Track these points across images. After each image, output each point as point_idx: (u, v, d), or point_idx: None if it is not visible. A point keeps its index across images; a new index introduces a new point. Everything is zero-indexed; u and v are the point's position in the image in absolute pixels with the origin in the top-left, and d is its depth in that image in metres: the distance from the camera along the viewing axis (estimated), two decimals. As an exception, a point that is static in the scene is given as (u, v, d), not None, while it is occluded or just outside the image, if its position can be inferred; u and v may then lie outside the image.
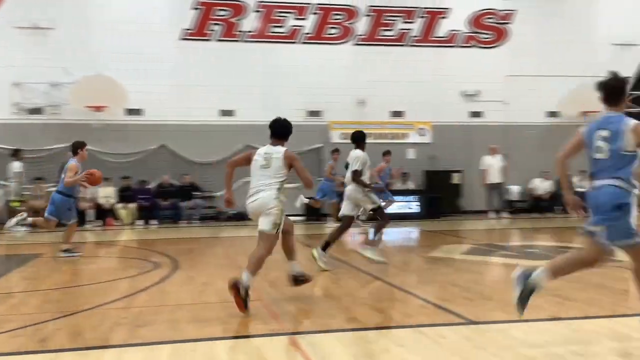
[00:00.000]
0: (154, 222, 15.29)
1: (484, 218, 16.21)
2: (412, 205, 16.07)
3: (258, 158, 5.88)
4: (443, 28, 17.71)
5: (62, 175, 8.82)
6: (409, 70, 17.39)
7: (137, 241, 11.94)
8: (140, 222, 15.25)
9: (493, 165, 16.31)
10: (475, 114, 17.74)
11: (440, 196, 16.11)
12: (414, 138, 17.50)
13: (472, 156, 17.05)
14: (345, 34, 17.39)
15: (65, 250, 9.03)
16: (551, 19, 18.06)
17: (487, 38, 17.93)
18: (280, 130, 6.07)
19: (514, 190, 17.63)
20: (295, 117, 17.03)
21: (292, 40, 17.22)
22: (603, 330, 4.50)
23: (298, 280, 6.02)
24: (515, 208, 17.12)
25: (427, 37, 17.67)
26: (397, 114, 17.42)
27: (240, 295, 5.17)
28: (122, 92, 15.60)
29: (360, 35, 17.41)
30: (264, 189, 5.76)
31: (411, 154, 17.48)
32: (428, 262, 8.52)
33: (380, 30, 17.51)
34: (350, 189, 8.03)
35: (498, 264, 8.29)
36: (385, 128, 17.35)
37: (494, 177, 16.26)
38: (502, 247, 10.08)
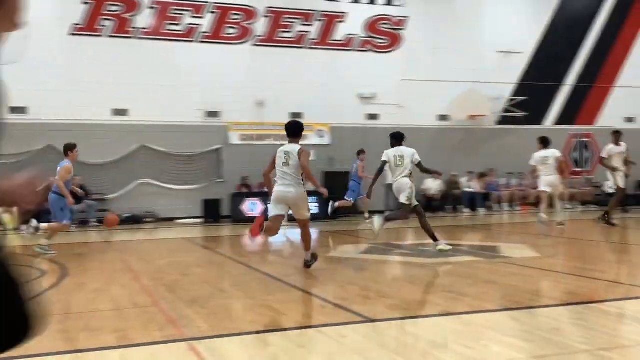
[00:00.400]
0: (42, 226, 14.33)
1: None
2: (310, 207, 16.14)
3: (280, 155, 7.19)
4: (340, 32, 17.99)
5: (56, 177, 9.40)
6: (308, 72, 17.50)
7: (22, 247, 11.15)
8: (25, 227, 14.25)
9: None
10: (372, 117, 18.16)
11: (339, 197, 16.31)
12: (312, 139, 17.62)
13: (369, 157, 17.42)
14: (244, 35, 17.22)
15: (43, 246, 9.49)
16: (441, 26, 18.85)
17: (382, 43, 18.41)
18: (293, 129, 7.31)
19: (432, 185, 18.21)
20: (193, 117, 16.79)
21: (189, 39, 16.82)
22: (492, 324, 4.69)
23: (307, 264, 7.54)
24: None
25: (324, 40, 17.87)
26: (296, 115, 17.48)
27: (310, 265, 7.35)
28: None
29: (259, 36, 17.31)
30: (294, 184, 7.15)
31: (311, 155, 17.59)
32: (327, 263, 8.58)
33: (279, 32, 17.50)
34: (404, 182, 9.02)
35: (395, 263, 8.48)
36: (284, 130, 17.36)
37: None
38: (398, 246, 10.33)
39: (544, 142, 12.20)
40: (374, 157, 17.70)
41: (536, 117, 19.70)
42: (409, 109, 18.36)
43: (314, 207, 16.21)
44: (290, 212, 7.40)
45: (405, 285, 6.60)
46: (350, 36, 18.04)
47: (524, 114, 19.14)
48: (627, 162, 12.88)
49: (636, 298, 5.65)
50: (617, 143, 12.79)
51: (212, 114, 16.74)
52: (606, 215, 13.09)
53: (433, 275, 7.43)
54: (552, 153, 12.20)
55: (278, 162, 7.22)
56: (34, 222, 10.04)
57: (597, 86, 20.27)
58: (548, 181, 12.17)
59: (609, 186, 19.27)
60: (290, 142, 7.26)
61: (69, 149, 9.60)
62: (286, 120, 18.31)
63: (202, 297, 5.94)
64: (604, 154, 12.79)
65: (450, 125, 18.76)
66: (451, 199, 18.07)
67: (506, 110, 19.31)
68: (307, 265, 7.63)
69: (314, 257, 7.60)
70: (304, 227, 7.40)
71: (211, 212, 15.12)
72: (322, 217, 15.92)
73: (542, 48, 19.72)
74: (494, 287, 6.39)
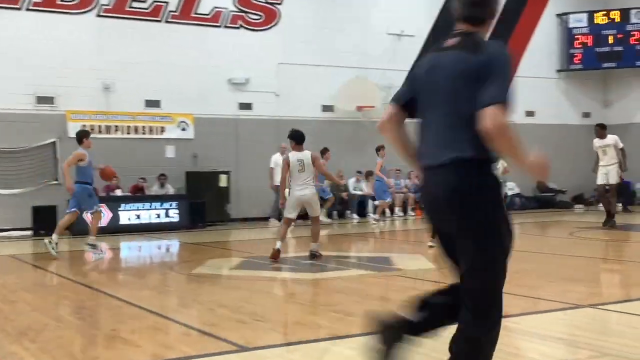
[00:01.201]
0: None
1: (262, 226, 16.60)
2: (170, 213, 15.86)
3: (295, 163, 9.71)
4: (206, 4, 17.78)
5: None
6: (166, 51, 17.12)
7: None
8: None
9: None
10: (245, 106, 18.11)
11: (205, 202, 16.13)
12: (173, 133, 17.28)
13: (241, 155, 17.39)
14: (86, 3, 16.51)
15: (92, 246, 10.82)
16: (325, 3, 19.18)
17: (256, 19, 18.42)
18: (300, 138, 9.92)
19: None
20: (19, 104, 15.87)
21: (15, 6, 15.87)
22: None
23: (314, 255, 9.84)
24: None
25: (187, 14, 17.57)
26: (152, 103, 17.04)
27: (317, 256, 9.80)
28: None
29: (105, 5, 16.68)
30: (309, 187, 9.75)
31: (170, 151, 17.25)
32: (191, 281, 8.44)
33: (131, 1, 16.98)
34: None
35: (273, 279, 8.51)
36: (139, 120, 16.88)
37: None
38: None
39: None
40: (247, 153, 17.74)
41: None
42: (287, 97, 18.50)
43: (174, 214, 15.89)
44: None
45: (284, 305, 6.63)
46: (218, 9, 17.87)
47: (417, 105, 19.92)
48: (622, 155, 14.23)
49: (536, 313, 6.05)
50: (601, 137, 14.08)
51: (45, 100, 15.89)
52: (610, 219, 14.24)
53: (316, 293, 7.52)
54: None
55: (294, 169, 9.67)
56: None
57: (496, 76, 21.55)
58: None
59: (509, 187, 20.55)
60: (296, 150, 9.85)
61: (83, 136, 10.92)
62: (141, 109, 17.84)
63: (33, 329, 5.63)
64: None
65: (336, 117, 19.10)
66: (337, 203, 18.43)
67: (398, 101, 19.99)
68: (314, 255, 9.85)
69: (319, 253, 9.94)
70: (317, 222, 10.03)
71: (44, 222, 14.29)
72: (186, 226, 15.66)
73: (437, 32, 20.63)
74: (386, 305, 6.58)
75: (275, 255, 9.60)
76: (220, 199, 16.70)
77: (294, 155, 9.77)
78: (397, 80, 21.80)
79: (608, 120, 22.98)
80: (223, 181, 16.78)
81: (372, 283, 7.87)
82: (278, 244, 9.74)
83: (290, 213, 9.82)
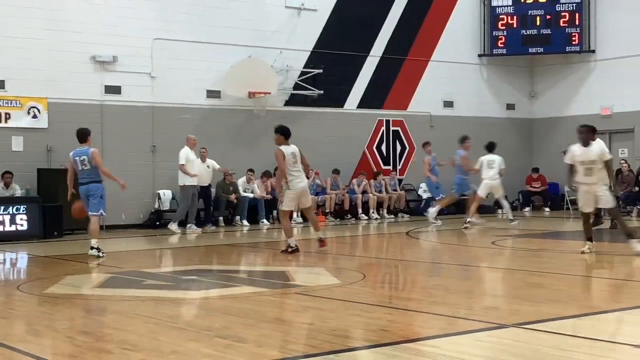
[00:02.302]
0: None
1: (134, 235, 16.30)
2: (18, 220, 15.39)
3: (290, 156, 11.79)
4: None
5: (88, 166, 12.01)
6: (13, 22, 16.57)
7: None
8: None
9: (194, 162, 16.97)
10: (112, 89, 17.75)
11: (62, 205, 15.69)
12: (21, 121, 16.77)
13: (108, 148, 16.98)
14: None
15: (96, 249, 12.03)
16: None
17: (128, -16, 18.08)
18: (289, 133, 12.10)
19: (166, 196, 18.10)
20: None
21: None
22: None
23: (322, 241, 12.25)
24: (165, 220, 17.60)
25: (40, -25, 17.03)
26: (-5, 83, 16.46)
27: (324, 242, 12.30)
28: None
29: None
30: (303, 178, 12.06)
31: (17, 144, 16.73)
32: (43, 303, 8.19)
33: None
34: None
35: (146, 299, 8.36)
36: (-23, 104, 16.24)
37: (204, 179, 17.31)
38: (150, 275, 10.21)
39: None
40: (115, 146, 17.37)
41: (336, 97, 20.81)
42: (165, 80, 18.25)
43: (23, 220, 15.39)
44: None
45: (160, 330, 6.53)
46: (80, -29, 17.46)
47: (319, 92, 20.11)
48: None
49: (456, 334, 6.22)
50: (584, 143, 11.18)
51: None
52: (614, 222, 13.75)
53: (200, 315, 7.45)
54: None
55: (289, 162, 11.71)
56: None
57: (411, 59, 22.03)
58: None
59: (424, 189, 21.09)
60: (285, 144, 11.91)
61: (88, 134, 12.41)
62: (-20, 90, 17.09)
63: None
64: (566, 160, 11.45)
65: (223, 105, 19.00)
66: (224, 207, 18.33)
67: (297, 87, 20.12)
68: (322, 242, 12.20)
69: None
70: (311, 211, 12.64)
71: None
72: (38, 236, 15.19)
73: (343, 5, 20.92)
74: (282, 328, 6.59)
75: (293, 252, 11.82)
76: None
77: (286, 149, 11.80)
78: (297, 62, 22.08)
79: (534, 114, 24.04)
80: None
81: (266, 302, 7.87)
82: (293, 242, 11.94)
83: (291, 206, 12.17)
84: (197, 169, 17.10)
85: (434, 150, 18.61)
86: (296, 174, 11.81)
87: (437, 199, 18.35)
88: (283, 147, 11.83)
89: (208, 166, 17.61)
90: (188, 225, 16.91)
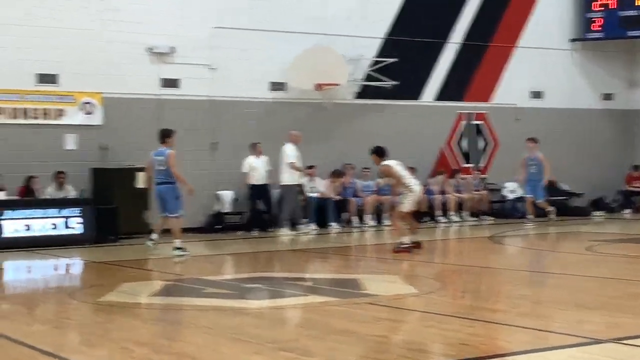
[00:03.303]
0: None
1: (194, 239, 16.54)
2: (71, 223, 15.67)
3: (399, 166, 13.32)
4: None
5: (163, 167, 13.27)
6: (65, 10, 16.90)
7: None
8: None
9: (258, 168, 17.45)
10: (170, 83, 17.97)
11: (117, 207, 15.97)
12: (74, 117, 17.05)
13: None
14: None
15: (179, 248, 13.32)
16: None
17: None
18: (383, 151, 13.46)
19: (226, 197, 18.27)
20: None
21: None
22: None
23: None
24: (226, 223, 17.78)
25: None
26: (47, 78, 16.78)
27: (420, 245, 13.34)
28: None
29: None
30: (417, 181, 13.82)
31: (71, 142, 17.02)
32: (98, 312, 8.36)
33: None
34: None
35: (206, 309, 8.47)
36: (28, 101, 16.62)
37: (260, 177, 17.55)
38: (212, 282, 10.33)
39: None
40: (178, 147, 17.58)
41: (411, 88, 20.68)
42: (225, 72, 18.36)
43: (77, 223, 15.70)
44: None
45: (221, 341, 6.61)
46: (135, -44, 17.76)
47: (393, 83, 20.02)
48: None
49: (545, 349, 6.14)
50: None
51: None
52: None
53: (264, 326, 7.50)
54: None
55: (400, 170, 13.28)
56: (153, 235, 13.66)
57: (494, 45, 21.78)
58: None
59: (510, 189, 20.84)
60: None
61: (168, 135, 13.57)
62: (31, 87, 17.57)
63: None
64: None
65: (288, 98, 19.06)
66: (288, 209, 18.40)
67: (369, 78, 20.07)
68: (418, 245, 13.33)
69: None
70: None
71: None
72: (92, 240, 15.50)
73: (418, -12, 20.82)
74: (352, 340, 6.59)
75: (413, 247, 13.00)
76: (136, 204, 16.51)
77: (390, 162, 13.34)
78: (368, 50, 21.98)
79: (634, 104, 23.49)
80: (141, 181, 16.60)
81: (334, 313, 7.88)
82: (407, 239, 13.01)
83: (411, 208, 13.22)
84: (256, 167, 17.48)
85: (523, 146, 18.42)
86: (411, 179, 13.36)
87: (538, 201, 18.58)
88: (387, 162, 13.31)
89: (264, 162, 17.78)
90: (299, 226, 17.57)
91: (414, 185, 13.32)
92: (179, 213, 13.42)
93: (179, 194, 13.41)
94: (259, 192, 17.72)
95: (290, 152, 17.30)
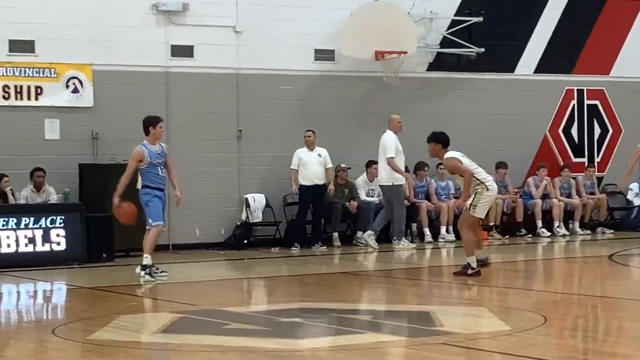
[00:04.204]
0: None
1: (211, 258, 16.57)
2: (53, 236, 15.82)
3: (466, 159, 13.19)
4: None
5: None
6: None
7: None
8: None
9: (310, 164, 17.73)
10: (182, 51, 18.06)
11: (112, 215, 16.07)
12: (57, 97, 17.25)
13: (176, 133, 17.29)
14: None
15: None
16: None
17: None
18: (448, 140, 13.35)
19: (257, 203, 18.29)
20: None
21: None
22: None
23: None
24: (257, 237, 17.80)
25: None
26: (20, 46, 16.97)
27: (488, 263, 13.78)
28: None
29: None
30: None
31: (52, 129, 17.20)
32: (87, 353, 8.44)
33: None
34: None
35: (228, 350, 8.49)
36: (-2, 75, 16.85)
37: (316, 175, 17.86)
38: (236, 315, 10.37)
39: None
40: (187, 131, 17.69)
41: (503, 57, 20.55)
42: (256, 37, 18.43)
43: (59, 237, 15.83)
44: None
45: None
46: None
47: (478, 50, 19.90)
48: None
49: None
50: None
51: None
52: None
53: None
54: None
55: (469, 164, 13.18)
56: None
57: (615, 1, 21.56)
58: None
59: (636, 193, 20.60)
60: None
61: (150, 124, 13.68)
62: (3, 57, 17.77)
63: None
64: None
65: (339, 71, 19.05)
66: (339, 219, 18.36)
67: (446, 43, 19.97)
68: (486, 264, 13.66)
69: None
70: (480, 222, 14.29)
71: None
72: (80, 259, 15.62)
73: None
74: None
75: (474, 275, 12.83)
76: (138, 211, 16.64)
77: (455, 154, 13.22)
78: (445, 7, 21.96)
79: None
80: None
81: (400, 356, 7.86)
82: (474, 261, 12.90)
83: (485, 213, 13.41)
84: (307, 161, 17.67)
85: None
86: (486, 174, 13.30)
87: None
88: (453, 154, 13.23)
89: (320, 155, 17.77)
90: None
91: (491, 181, 13.28)
92: (149, 224, 13.54)
93: (148, 199, 13.53)
94: (311, 194, 17.80)
95: (391, 143, 17.44)
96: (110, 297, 12.31)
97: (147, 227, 13.58)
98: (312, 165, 17.60)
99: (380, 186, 17.88)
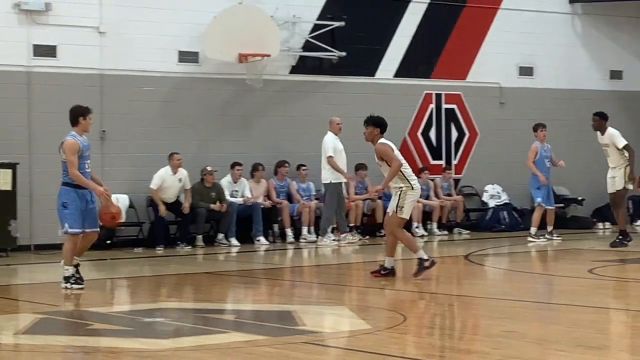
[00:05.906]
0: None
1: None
2: None
3: (398, 153, 13.31)
4: None
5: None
6: None
7: None
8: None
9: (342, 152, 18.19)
10: (44, 50, 17.82)
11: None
12: None
13: (37, 135, 17.08)
14: None
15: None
16: None
17: None
18: (386, 125, 13.56)
19: (121, 203, 18.17)
20: None
21: None
22: None
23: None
24: (119, 237, 17.67)
25: None
26: None
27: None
28: None
29: None
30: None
31: None
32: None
33: None
34: None
35: (91, 351, 8.42)
36: None
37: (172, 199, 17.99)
38: (100, 316, 10.31)
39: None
40: (49, 132, 17.45)
41: (364, 61, 20.73)
42: (120, 37, 18.27)
43: None
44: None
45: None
46: None
47: (339, 54, 20.05)
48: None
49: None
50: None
51: None
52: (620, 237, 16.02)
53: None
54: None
55: (401, 159, 13.14)
56: None
57: (472, 7, 21.92)
58: None
59: (491, 195, 21.06)
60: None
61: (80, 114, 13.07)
62: None
63: None
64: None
65: (203, 73, 18.99)
66: (203, 220, 18.35)
67: (309, 47, 20.07)
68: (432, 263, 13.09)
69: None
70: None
71: None
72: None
73: None
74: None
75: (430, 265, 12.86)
76: (1, 211, 16.41)
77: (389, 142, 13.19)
78: (308, 11, 22.07)
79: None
80: (4, 181, 16.48)
81: (263, 356, 7.89)
82: (423, 254, 12.86)
83: (410, 213, 13.25)
84: (169, 185, 17.88)
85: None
86: (412, 173, 13.19)
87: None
88: (385, 141, 13.17)
89: (180, 180, 17.88)
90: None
91: (416, 181, 13.19)
92: (64, 228, 12.37)
93: (63, 201, 12.31)
94: (172, 207, 18.00)
95: (330, 143, 18.03)
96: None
97: (62, 232, 12.59)
98: (172, 189, 17.94)
99: (323, 184, 18.44)
